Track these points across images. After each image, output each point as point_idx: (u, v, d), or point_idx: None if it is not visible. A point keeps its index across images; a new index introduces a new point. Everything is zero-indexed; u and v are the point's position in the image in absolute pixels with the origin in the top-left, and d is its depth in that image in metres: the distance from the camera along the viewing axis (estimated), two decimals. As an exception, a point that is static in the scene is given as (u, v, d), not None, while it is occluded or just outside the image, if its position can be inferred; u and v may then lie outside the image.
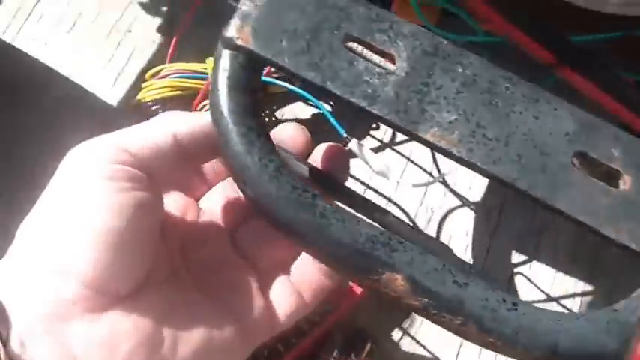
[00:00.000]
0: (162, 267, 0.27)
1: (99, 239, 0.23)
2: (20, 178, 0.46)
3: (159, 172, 0.26)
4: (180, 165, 0.27)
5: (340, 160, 0.31)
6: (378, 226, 0.27)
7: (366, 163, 0.44)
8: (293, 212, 0.24)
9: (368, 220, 0.26)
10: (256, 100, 0.26)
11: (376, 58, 0.27)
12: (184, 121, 0.27)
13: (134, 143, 0.26)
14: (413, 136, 0.26)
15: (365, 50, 0.27)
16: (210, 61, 0.48)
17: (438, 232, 0.47)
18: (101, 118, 0.51)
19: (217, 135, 0.26)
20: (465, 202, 0.48)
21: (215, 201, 0.31)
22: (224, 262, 0.29)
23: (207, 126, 0.27)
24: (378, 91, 0.26)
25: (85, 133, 0.49)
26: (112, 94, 0.52)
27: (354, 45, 0.27)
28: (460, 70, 0.26)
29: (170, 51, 0.49)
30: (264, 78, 0.47)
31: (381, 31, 0.27)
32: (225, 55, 0.26)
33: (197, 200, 0.31)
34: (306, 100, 0.50)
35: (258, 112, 0.26)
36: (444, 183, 0.46)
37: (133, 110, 0.49)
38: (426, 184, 0.46)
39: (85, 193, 0.24)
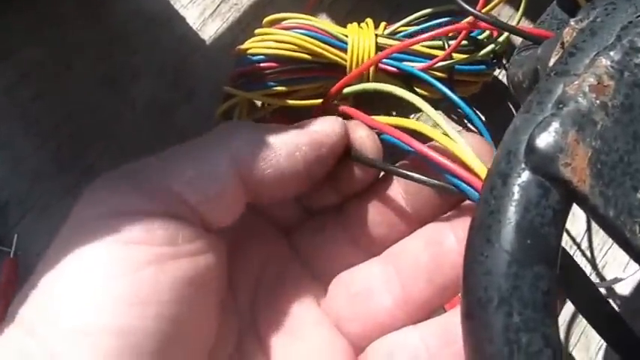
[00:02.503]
0: (224, 346, 0.20)
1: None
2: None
3: (222, 221, 0.20)
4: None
5: None
6: None
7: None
8: None
9: None
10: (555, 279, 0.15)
11: None
12: (251, 146, 0.20)
13: (193, 188, 0.19)
14: None
15: None
16: (353, 27, 0.35)
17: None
18: (182, 56, 0.38)
19: (473, 327, 0.15)
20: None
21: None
22: (307, 325, 0.22)
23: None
24: None
25: (149, 76, 0.36)
26: (206, 25, 0.39)
27: None
28: None
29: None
30: (419, 72, 0.34)
31: None
32: (529, 185, 0.14)
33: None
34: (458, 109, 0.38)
35: (555, 305, 0.15)
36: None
37: (228, 55, 0.36)
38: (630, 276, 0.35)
39: (117, 266, 0.17)
